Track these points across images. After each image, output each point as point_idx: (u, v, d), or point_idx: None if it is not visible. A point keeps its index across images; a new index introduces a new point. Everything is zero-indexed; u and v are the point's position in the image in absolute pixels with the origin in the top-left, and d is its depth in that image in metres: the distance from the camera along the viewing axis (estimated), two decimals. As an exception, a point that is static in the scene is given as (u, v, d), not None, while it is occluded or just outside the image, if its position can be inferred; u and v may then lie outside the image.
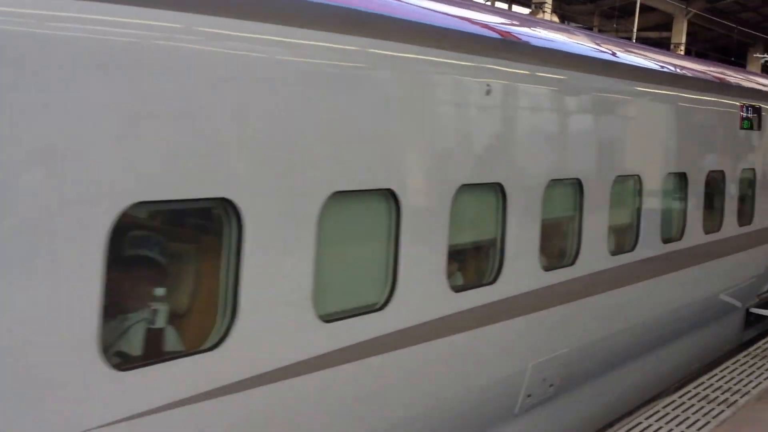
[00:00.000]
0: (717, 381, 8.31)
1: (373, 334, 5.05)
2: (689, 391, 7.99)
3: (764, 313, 11.62)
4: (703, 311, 9.96)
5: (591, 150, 7.40)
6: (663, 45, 35.13)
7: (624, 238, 8.07)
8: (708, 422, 7.19)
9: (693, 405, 7.61)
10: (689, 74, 9.83)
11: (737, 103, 10.46)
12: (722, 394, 7.92)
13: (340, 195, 4.74)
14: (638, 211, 8.11)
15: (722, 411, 7.46)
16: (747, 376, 8.51)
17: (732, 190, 10.21)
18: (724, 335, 10.98)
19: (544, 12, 28.70)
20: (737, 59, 40.63)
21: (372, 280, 5.24)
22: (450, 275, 5.76)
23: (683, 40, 38.11)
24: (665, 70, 9.24)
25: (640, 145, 8.26)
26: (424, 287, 5.47)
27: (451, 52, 5.67)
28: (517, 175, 6.31)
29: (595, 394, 7.99)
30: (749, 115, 10.67)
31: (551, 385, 6.97)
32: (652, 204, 8.35)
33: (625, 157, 8.04)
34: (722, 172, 9.95)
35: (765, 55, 38.27)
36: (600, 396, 8.09)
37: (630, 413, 8.41)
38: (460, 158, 5.82)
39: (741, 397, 7.83)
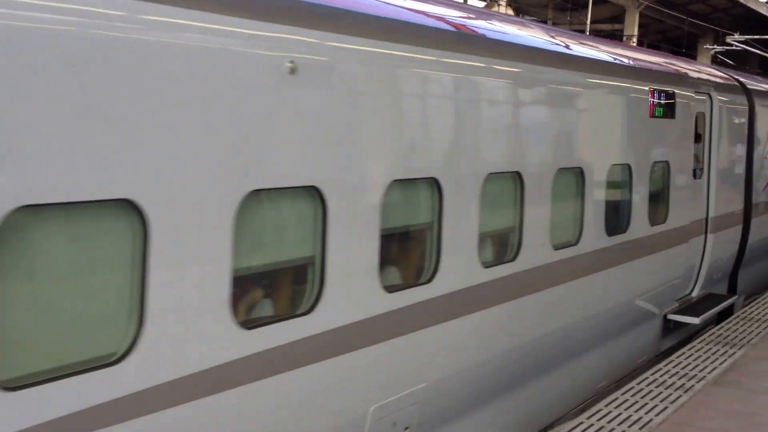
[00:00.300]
0: (674, 367, 8.45)
1: (102, 398, 3.71)
2: (647, 378, 8.12)
3: (683, 320, 10.62)
4: (611, 322, 8.94)
5: (453, 142, 6.19)
6: (616, 37, 35.54)
7: (502, 246, 7.04)
8: (666, 407, 7.29)
9: (651, 391, 7.72)
10: (585, 55, 8.61)
11: (646, 89, 9.41)
12: (679, 379, 8.06)
13: (32, 210, 3.43)
14: (520, 214, 6.99)
15: (679, 396, 7.59)
16: (703, 361, 8.67)
17: (641, 186, 9.19)
18: (638, 346, 9.84)
19: (499, 5, 28.83)
20: (688, 51, 41.26)
21: (102, 325, 3.86)
22: (244, 308, 4.65)
23: (635, 32, 38.58)
24: (551, 48, 7.96)
25: (521, 136, 7.09)
26: (191, 327, 4.16)
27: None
28: (344, 176, 5.06)
29: (475, 429, 6.88)
30: (661, 102, 9.67)
31: (406, 429, 5.92)
32: (538, 206, 7.22)
33: (502, 150, 6.84)
34: (628, 166, 8.92)
35: (715, 46, 38.83)
36: (481, 430, 7.01)
37: (591, 401, 8.54)
38: (247, 156, 4.44)
39: (697, 383, 7.97)
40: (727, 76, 12.98)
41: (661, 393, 7.67)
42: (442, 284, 6.03)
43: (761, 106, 13.57)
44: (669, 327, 10.58)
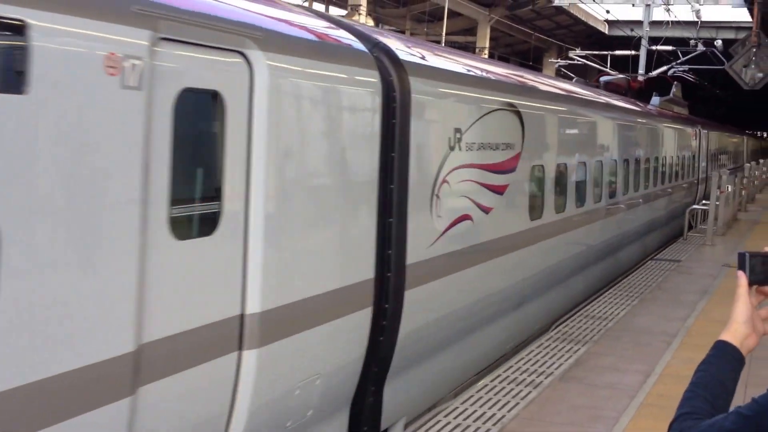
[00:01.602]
0: (524, 364, 8.90)
1: None
2: (499, 375, 8.52)
3: None
4: None
5: None
6: (469, 49, 36.63)
7: None
8: (517, 403, 7.63)
9: (503, 387, 8.08)
10: None
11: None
12: (528, 376, 8.50)
13: None
14: None
15: (529, 392, 7.97)
16: (550, 357, 9.17)
17: None
18: None
19: (359, 14, 29.15)
20: (535, 63, 43.02)
21: None
22: None
23: (487, 44, 39.86)
24: None
25: None
26: None
27: None
28: None
29: None
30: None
31: None
32: None
33: None
34: None
35: (558, 60, 40.62)
36: None
37: (445, 399, 8.89)
38: None
39: (545, 378, 8.44)
40: (333, 25, 6.95)
41: (512, 389, 8.05)
42: None
43: (427, 91, 7.51)
44: None
